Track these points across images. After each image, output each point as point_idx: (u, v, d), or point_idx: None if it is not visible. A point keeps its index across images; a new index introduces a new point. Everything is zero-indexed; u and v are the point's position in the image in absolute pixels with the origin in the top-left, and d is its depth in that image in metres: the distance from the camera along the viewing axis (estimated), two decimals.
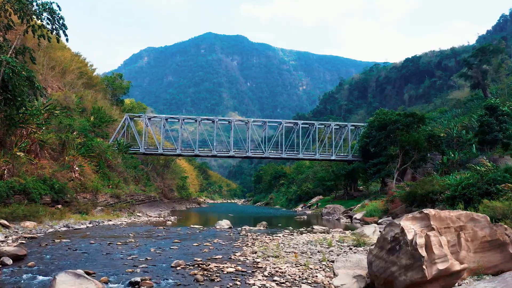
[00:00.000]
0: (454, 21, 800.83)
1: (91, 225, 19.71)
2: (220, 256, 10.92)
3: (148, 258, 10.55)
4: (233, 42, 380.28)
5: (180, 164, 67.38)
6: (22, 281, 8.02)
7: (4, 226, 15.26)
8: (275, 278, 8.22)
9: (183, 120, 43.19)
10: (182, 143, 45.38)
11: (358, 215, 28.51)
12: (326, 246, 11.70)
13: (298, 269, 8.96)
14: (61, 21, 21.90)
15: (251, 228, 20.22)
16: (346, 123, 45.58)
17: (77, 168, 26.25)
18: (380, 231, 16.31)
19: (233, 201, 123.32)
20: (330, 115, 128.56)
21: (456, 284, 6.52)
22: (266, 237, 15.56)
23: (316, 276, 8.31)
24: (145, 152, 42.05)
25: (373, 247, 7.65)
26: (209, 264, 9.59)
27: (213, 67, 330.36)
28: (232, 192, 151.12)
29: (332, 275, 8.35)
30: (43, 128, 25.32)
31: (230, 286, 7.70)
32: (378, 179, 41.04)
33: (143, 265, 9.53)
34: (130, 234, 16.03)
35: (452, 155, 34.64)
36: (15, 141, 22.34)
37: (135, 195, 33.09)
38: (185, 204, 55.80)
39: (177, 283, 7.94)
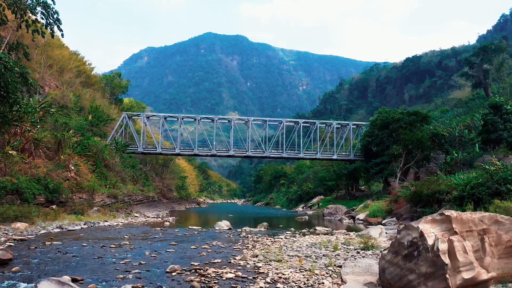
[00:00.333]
0: (454, 21, 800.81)
1: (86, 226, 19.04)
2: (219, 260, 10.26)
3: (142, 262, 9.89)
4: (233, 42, 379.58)
5: (180, 164, 66.72)
6: None
7: None
8: (278, 285, 7.56)
9: (182, 119, 42.51)
10: (181, 143, 44.75)
11: (361, 216, 27.85)
12: (332, 249, 11.03)
13: (303, 275, 8.30)
14: (55, 16, 21.23)
15: (252, 229, 19.55)
16: (347, 122, 44.91)
17: (72, 168, 25.58)
18: (386, 233, 15.67)
19: (233, 201, 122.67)
20: (330, 115, 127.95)
21: None
22: (267, 239, 14.90)
23: (323, 283, 7.65)
24: (144, 151, 41.38)
25: (385, 252, 6.98)
26: (207, 269, 8.93)
27: (213, 67, 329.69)
28: (232, 192, 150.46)
29: (339, 282, 7.69)
30: (38, 126, 24.65)
31: None
32: (380, 179, 40.39)
33: (136, 271, 8.87)
34: (125, 236, 15.36)
35: (456, 155, 34.04)
36: (8, 139, 21.66)
37: (133, 195, 32.43)
38: (184, 204, 55.15)
39: None
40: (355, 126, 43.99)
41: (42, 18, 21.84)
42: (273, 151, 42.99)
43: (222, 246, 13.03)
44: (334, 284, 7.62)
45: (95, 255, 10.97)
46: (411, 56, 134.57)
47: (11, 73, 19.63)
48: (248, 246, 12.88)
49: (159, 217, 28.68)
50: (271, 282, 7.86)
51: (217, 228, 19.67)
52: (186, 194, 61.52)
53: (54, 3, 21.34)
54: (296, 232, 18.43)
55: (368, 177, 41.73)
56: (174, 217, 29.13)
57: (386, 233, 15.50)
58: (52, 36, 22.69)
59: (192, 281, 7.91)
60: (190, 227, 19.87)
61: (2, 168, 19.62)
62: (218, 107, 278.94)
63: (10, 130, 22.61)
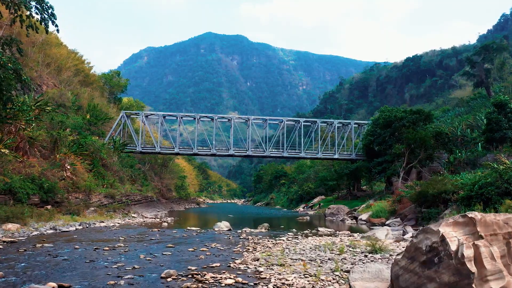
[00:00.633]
0: (454, 21, 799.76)
1: (80, 227, 18.44)
2: (218, 264, 9.66)
3: (136, 266, 9.29)
4: (233, 42, 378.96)
5: (179, 163, 66.12)
6: None
7: None
8: None
9: (182, 117, 41.90)
10: (181, 143, 44.16)
11: (364, 216, 27.24)
12: (337, 253, 10.42)
13: (308, 281, 7.70)
14: (50, 10, 20.66)
15: (252, 230, 18.94)
16: (349, 121, 44.31)
17: (68, 167, 24.97)
18: (394, 233, 15.06)
19: (233, 201, 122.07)
20: (330, 115, 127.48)
21: None
22: (268, 240, 14.30)
23: None
24: (142, 151, 40.77)
25: (399, 257, 6.38)
26: (204, 274, 8.33)
27: (213, 66, 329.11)
28: (232, 192, 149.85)
29: None
30: (33, 124, 24.06)
31: None
32: (382, 179, 39.81)
33: (129, 276, 8.27)
34: (121, 238, 14.76)
35: (459, 154, 33.48)
36: (1, 137, 21.06)
37: (131, 195, 31.82)
38: (183, 204, 54.55)
39: None
40: (356, 125, 43.38)
41: (36, 13, 21.32)
42: (273, 150, 42.38)
43: (222, 248, 12.44)
44: None
45: (87, 258, 10.38)
46: (411, 56, 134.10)
47: (5, 70, 19.07)
48: (249, 249, 12.28)
49: (157, 218, 28.07)
50: None
51: (216, 229, 19.08)
52: (185, 194, 60.89)
53: None
54: (298, 233, 17.83)
55: (370, 177, 41.14)
56: (172, 218, 28.54)
57: (392, 234, 14.89)
58: (47, 31, 22.05)
59: (188, 287, 7.32)
60: (189, 228, 19.26)
61: None
62: (218, 107, 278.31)
63: (4, 128, 22.03)
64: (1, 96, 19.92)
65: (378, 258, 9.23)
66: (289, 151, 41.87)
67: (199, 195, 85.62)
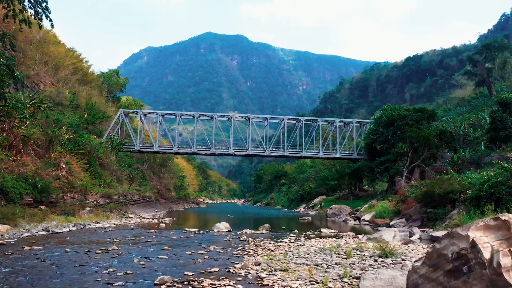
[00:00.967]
0: (454, 21, 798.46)
1: (74, 228, 17.77)
2: (217, 269, 9.00)
3: (129, 272, 8.63)
4: (233, 42, 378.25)
5: (179, 163, 65.46)
6: None
7: None
8: None
9: (181, 116, 41.23)
10: (181, 143, 43.49)
11: (367, 217, 26.57)
12: (344, 256, 9.75)
13: None
14: (43, 4, 19.95)
15: (253, 231, 18.26)
16: (351, 120, 43.62)
17: (64, 166, 24.28)
18: (400, 235, 14.39)
19: (232, 201, 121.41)
20: (330, 115, 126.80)
21: None
22: (270, 243, 13.63)
23: None
24: (140, 150, 40.10)
25: (418, 263, 5.72)
26: (202, 281, 7.68)
27: (213, 66, 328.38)
28: (232, 192, 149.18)
29: None
30: (27, 122, 23.39)
31: None
32: (384, 178, 39.14)
33: (120, 283, 7.61)
34: (115, 240, 14.09)
35: (463, 153, 32.87)
36: None
37: (129, 195, 31.15)
38: (183, 204, 53.90)
39: None
40: (358, 124, 42.70)
41: (30, 7, 20.64)
42: (274, 149, 41.70)
43: (221, 251, 11.77)
44: None
45: (76, 262, 9.71)
46: (412, 55, 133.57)
47: None
48: (249, 252, 11.62)
49: (155, 218, 27.40)
50: None
51: (215, 230, 18.41)
52: (184, 194, 60.23)
53: None
54: (301, 234, 17.16)
55: (372, 177, 40.47)
56: (171, 218, 27.87)
57: (399, 235, 14.22)
58: (40, 27, 21.34)
59: None
60: (187, 229, 18.58)
61: None
62: (218, 107, 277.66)
63: None
64: None
65: (390, 263, 8.56)
66: (290, 150, 41.20)
67: (198, 195, 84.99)
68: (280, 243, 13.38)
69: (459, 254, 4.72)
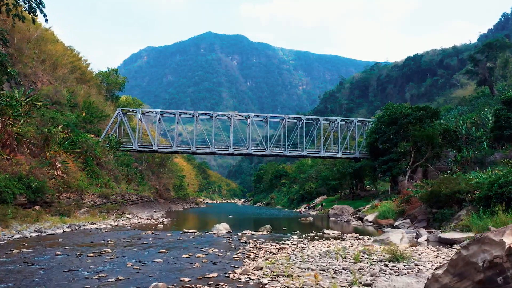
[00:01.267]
0: (454, 21, 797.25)
1: (69, 229, 17.16)
2: (215, 274, 8.40)
3: (120, 277, 8.03)
4: (233, 42, 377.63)
5: (178, 163, 64.82)
6: None
7: None
8: None
9: (180, 115, 40.60)
10: (181, 143, 42.87)
11: (370, 217, 25.96)
12: (352, 261, 9.14)
13: None
14: None
15: (253, 233, 17.64)
16: (352, 119, 42.98)
17: (59, 165, 23.66)
18: (407, 236, 13.78)
19: (232, 201, 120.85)
20: (330, 114, 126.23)
21: None
22: (271, 245, 13.02)
23: None
24: (139, 149, 39.46)
25: (439, 272, 5.12)
26: None
27: (213, 66, 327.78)
28: (232, 192, 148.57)
29: None
30: (22, 120, 22.80)
31: None
32: (387, 178, 38.55)
33: None
34: (110, 242, 13.49)
35: (466, 152, 32.33)
36: None
37: (127, 195, 30.55)
38: (182, 204, 53.31)
39: None
40: (360, 123, 42.07)
41: (24, 2, 20.07)
42: (274, 148, 41.07)
43: (220, 254, 11.16)
44: None
45: (66, 267, 9.12)
46: (412, 55, 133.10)
47: None
48: (250, 255, 11.01)
49: (153, 219, 26.79)
50: None
51: (214, 231, 17.79)
52: (184, 194, 59.61)
53: None
54: (303, 236, 16.55)
55: (374, 176, 39.87)
56: (169, 219, 27.25)
57: (407, 236, 13.61)
58: (34, 21, 20.75)
59: None
60: (185, 230, 17.96)
61: None
62: (218, 107, 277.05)
63: None
64: None
65: (402, 269, 7.95)
66: (291, 149, 40.58)
67: (198, 195, 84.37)
68: (282, 246, 12.78)
69: (492, 262, 4.12)
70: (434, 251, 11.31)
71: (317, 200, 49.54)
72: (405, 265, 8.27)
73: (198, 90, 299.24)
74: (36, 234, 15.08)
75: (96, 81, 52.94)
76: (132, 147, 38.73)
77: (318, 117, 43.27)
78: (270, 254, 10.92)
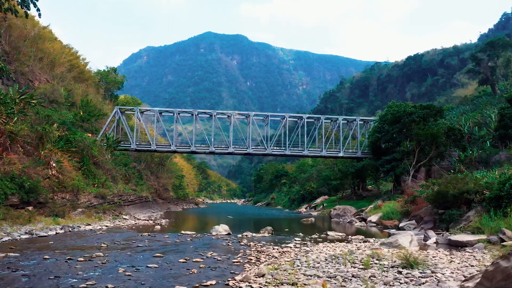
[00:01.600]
0: (454, 21, 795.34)
1: (62, 231, 16.49)
2: (213, 282, 7.73)
3: (110, 285, 7.36)
4: (232, 42, 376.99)
5: (178, 162, 64.12)
6: None
7: None
8: None
9: (179, 114, 39.92)
10: (180, 142, 42.17)
11: (373, 218, 25.29)
12: (361, 267, 8.45)
13: None
14: None
15: (254, 235, 16.96)
16: (354, 117, 42.28)
17: (54, 164, 22.98)
18: (420, 240, 13.09)
19: (232, 201, 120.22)
20: (331, 114, 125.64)
21: None
22: (273, 248, 12.35)
23: None
24: (137, 148, 38.78)
25: (470, 284, 4.45)
26: None
27: (213, 66, 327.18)
28: (231, 192, 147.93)
29: None
30: (15, 118, 22.13)
31: None
32: (389, 178, 37.87)
33: None
34: (103, 244, 12.81)
35: (470, 152, 31.69)
36: None
37: (124, 195, 29.87)
38: (181, 204, 52.65)
39: None
40: (362, 122, 41.37)
41: None
42: (275, 148, 40.37)
43: (219, 258, 10.49)
44: None
45: (53, 273, 8.45)
46: (412, 55, 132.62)
47: None
48: (251, 259, 10.34)
49: (151, 220, 26.11)
50: None
51: (214, 233, 17.11)
52: (183, 194, 58.85)
53: None
54: (306, 238, 15.88)
55: (377, 176, 39.19)
56: (167, 220, 26.58)
57: (417, 239, 12.93)
58: (26, 15, 20.04)
59: None
60: (183, 232, 17.27)
61: None
62: (218, 107, 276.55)
63: None
64: None
65: (419, 277, 7.27)
66: (292, 149, 39.89)
67: (198, 195, 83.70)
68: (285, 249, 12.11)
69: None
70: (446, 255, 10.63)
71: (318, 200, 48.89)
72: (421, 273, 7.58)
73: (198, 90, 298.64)
74: (26, 236, 14.41)
75: (95, 80, 52.27)
76: (130, 147, 38.06)
77: (319, 116, 42.57)
78: (273, 259, 10.25)
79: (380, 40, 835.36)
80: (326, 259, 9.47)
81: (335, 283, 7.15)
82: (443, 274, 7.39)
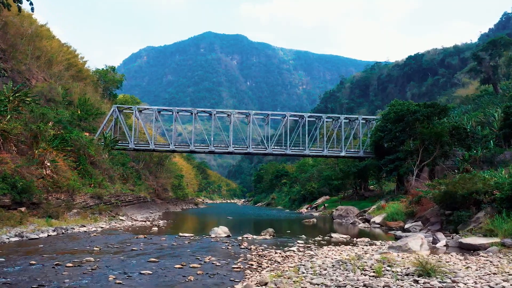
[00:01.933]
0: (454, 21, 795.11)
1: (54, 233, 15.80)
2: None
3: None
4: (232, 42, 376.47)
5: (177, 162, 63.47)
6: None
7: None
8: None
9: (178, 112, 39.23)
10: (181, 142, 41.47)
11: (377, 219, 24.60)
12: (372, 274, 7.77)
13: None
14: None
15: (255, 237, 16.26)
16: (356, 116, 41.55)
17: (48, 164, 22.30)
18: (429, 243, 12.41)
19: (232, 201, 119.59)
20: (331, 114, 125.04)
21: None
22: (275, 252, 11.66)
23: None
24: (135, 147, 38.09)
25: None
26: None
27: (213, 66, 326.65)
28: (231, 192, 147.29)
29: None
30: (8, 116, 21.47)
31: None
32: (392, 178, 37.18)
33: None
34: (95, 248, 12.12)
35: (474, 151, 31.03)
36: None
37: (122, 196, 29.19)
38: (181, 205, 51.99)
39: None
40: (364, 121, 40.66)
41: None
42: (276, 147, 39.67)
43: (218, 264, 9.80)
44: None
45: (37, 280, 7.77)
46: (413, 54, 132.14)
47: None
48: (252, 264, 9.66)
49: (149, 221, 25.42)
50: None
51: (213, 235, 16.42)
52: (183, 194, 58.20)
53: None
54: (309, 241, 15.19)
55: (379, 176, 38.49)
56: (165, 221, 25.89)
57: (427, 243, 12.23)
58: (19, 10, 19.32)
59: None
60: (181, 234, 16.57)
61: None
62: (218, 107, 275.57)
63: None
64: None
65: (439, 287, 6.60)
66: (293, 148, 39.19)
67: (197, 195, 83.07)
68: (288, 253, 11.42)
69: None
70: (460, 260, 9.96)
71: (319, 200, 48.22)
72: (440, 282, 6.90)
73: (198, 89, 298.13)
74: (16, 239, 13.73)
75: (93, 79, 51.63)
76: (129, 146, 37.36)
77: (320, 114, 41.89)
78: (275, 264, 9.57)
79: (380, 40, 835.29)
80: (333, 265, 8.79)
81: None
82: (465, 284, 6.71)
